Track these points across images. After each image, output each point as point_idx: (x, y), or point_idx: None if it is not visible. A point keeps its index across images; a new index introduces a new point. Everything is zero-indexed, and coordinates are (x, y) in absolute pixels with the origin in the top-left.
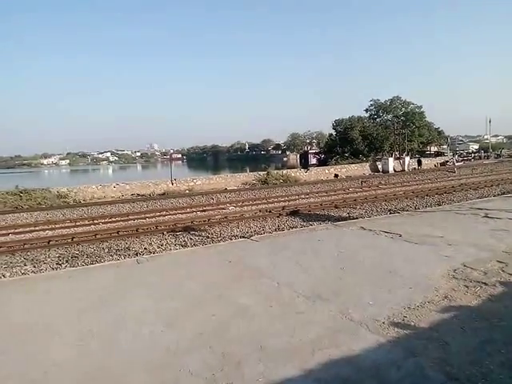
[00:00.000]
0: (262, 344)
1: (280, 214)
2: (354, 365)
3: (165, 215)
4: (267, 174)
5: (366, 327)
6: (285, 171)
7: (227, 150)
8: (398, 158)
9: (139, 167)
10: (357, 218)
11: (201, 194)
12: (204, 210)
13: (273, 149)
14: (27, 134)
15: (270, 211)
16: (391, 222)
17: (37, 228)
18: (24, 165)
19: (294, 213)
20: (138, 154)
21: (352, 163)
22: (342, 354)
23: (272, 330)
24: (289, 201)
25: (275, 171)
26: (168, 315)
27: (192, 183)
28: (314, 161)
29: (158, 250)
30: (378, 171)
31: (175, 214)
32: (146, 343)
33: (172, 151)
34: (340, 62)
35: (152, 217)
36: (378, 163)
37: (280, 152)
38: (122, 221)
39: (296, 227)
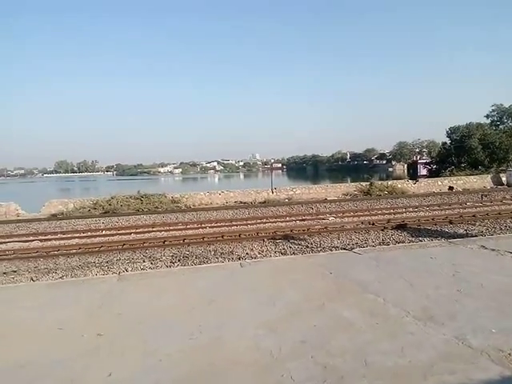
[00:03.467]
0: (367, 360)
1: (385, 228)
2: None
3: (265, 223)
4: (370, 184)
5: (488, 356)
6: (390, 182)
7: (327, 159)
8: None
9: (242, 176)
10: (476, 236)
11: (300, 203)
12: (303, 220)
13: (376, 158)
14: (148, 146)
15: (373, 224)
16: None
17: (154, 229)
18: (144, 172)
19: (401, 227)
20: (241, 163)
21: (470, 175)
22: (458, 382)
23: (378, 348)
24: (395, 214)
25: (379, 182)
26: (270, 320)
27: (291, 192)
28: (424, 171)
29: (258, 255)
30: (502, 184)
31: (275, 222)
32: (250, 344)
33: (272, 161)
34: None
35: (253, 224)
36: (501, 175)
37: (384, 162)
38: (226, 226)
39: (403, 242)
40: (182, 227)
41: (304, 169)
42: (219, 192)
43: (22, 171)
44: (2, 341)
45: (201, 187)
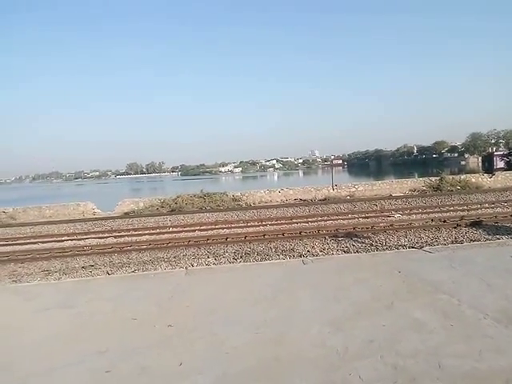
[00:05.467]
0: (441, 363)
1: (457, 225)
2: None
3: (326, 220)
4: (440, 179)
5: None
6: (463, 176)
7: (392, 154)
8: None
9: (301, 173)
10: None
11: (363, 200)
12: (367, 217)
13: (447, 151)
14: (210, 146)
15: (444, 221)
16: None
17: (217, 226)
18: (206, 172)
19: (476, 224)
20: (300, 160)
21: None
22: None
23: (453, 351)
24: (468, 210)
25: (450, 176)
26: (335, 318)
27: (353, 189)
28: (501, 164)
29: (320, 253)
30: None
31: (336, 220)
32: (314, 341)
33: (333, 157)
34: None
35: (314, 221)
36: None
37: (456, 155)
38: (286, 223)
39: (479, 240)
40: (243, 225)
41: (366, 164)
42: (279, 190)
43: (97, 173)
44: (84, 329)
45: (260, 185)
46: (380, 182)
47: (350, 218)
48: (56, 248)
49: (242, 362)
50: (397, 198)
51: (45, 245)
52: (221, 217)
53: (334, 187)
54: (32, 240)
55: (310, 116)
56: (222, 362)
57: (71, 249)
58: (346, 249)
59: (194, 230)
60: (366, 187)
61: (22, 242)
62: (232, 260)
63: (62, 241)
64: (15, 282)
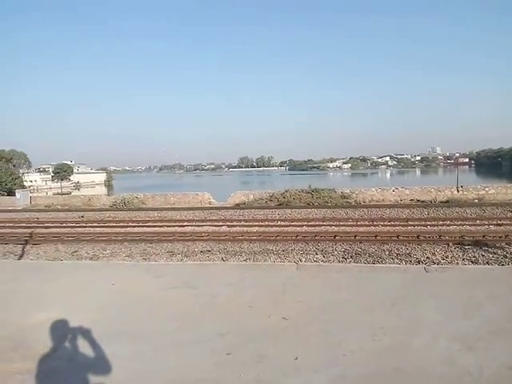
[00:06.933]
0: None
1: None
2: None
3: (449, 225)
4: None
5: None
6: None
7: None
8: None
9: (418, 172)
10: None
11: (494, 204)
12: (499, 224)
13: None
14: (318, 142)
15: None
16: None
17: (324, 223)
18: (314, 167)
19: None
20: (418, 158)
21: None
22: None
23: None
24: None
25: None
26: (465, 335)
27: (483, 191)
28: None
29: (442, 261)
30: None
31: (462, 225)
32: (442, 358)
33: (458, 155)
34: None
35: (434, 225)
36: None
37: None
38: (401, 225)
39: None
40: (352, 223)
41: (499, 164)
42: (392, 189)
43: (213, 166)
44: (206, 310)
45: (371, 183)
46: None
47: (478, 225)
48: (178, 232)
49: (359, 367)
50: None
51: (169, 228)
52: (329, 213)
53: (459, 188)
54: (159, 223)
55: (429, 107)
56: (339, 364)
57: (191, 234)
58: (473, 259)
59: (302, 226)
60: (498, 190)
61: (151, 224)
62: (341, 259)
63: (184, 226)
64: (145, 259)
